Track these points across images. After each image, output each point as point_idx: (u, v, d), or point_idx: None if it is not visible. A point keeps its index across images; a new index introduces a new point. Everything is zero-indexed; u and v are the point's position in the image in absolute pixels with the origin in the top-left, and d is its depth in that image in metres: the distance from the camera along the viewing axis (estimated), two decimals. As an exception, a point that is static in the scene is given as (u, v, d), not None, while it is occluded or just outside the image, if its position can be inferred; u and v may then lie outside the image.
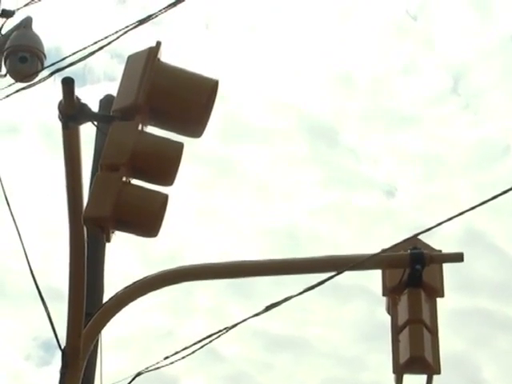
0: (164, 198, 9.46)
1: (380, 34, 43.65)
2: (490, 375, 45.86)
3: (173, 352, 14.06)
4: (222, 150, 36.00)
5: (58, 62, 12.94)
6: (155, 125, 9.55)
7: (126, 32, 12.41)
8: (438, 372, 10.35)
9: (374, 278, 11.01)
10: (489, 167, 45.32)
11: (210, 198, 37.26)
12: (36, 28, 13.43)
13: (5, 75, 13.39)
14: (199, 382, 39.81)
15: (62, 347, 10.43)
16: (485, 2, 44.60)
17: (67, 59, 12.91)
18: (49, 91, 12.73)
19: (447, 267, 10.82)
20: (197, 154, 9.35)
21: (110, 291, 11.16)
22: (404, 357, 10.35)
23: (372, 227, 39.50)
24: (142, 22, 12.70)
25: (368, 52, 43.66)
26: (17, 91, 13.30)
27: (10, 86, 13.36)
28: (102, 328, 10.43)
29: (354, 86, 46.22)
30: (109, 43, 12.71)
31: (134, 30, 12.30)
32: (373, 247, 11.01)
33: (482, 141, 46.71)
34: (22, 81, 13.33)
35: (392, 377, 10.52)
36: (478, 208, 12.00)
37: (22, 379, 41.38)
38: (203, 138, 9.68)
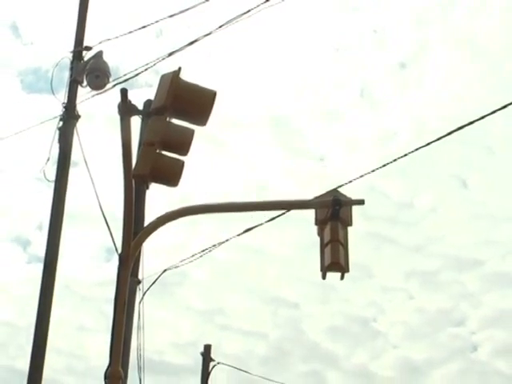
0: (182, 164, 9.60)
1: (317, 59, 43.99)
2: (378, 272, 46.76)
3: (186, 257, 14.23)
4: (218, 133, 36.29)
5: (117, 78, 13.14)
6: (177, 118, 9.64)
7: (160, 60, 12.60)
8: (348, 271, 10.35)
9: (311, 213, 11.08)
10: (385, 145, 45.69)
11: (210, 162, 37.48)
12: (105, 56, 13.45)
13: (85, 86, 13.41)
14: (202, 274, 40.49)
15: (119, 252, 10.52)
16: (382, 38, 44.76)
17: (124, 76, 13.14)
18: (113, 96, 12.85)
19: (359, 207, 10.77)
20: (202, 135, 9.38)
21: (148, 219, 11.23)
22: (327, 262, 10.33)
23: (312, 182, 39.88)
24: (171, 54, 12.87)
25: (311, 69, 44.05)
26: (93, 96, 13.43)
27: (89, 92, 13.46)
28: (144, 241, 10.44)
29: (303, 91, 46.54)
30: (150, 67, 12.90)
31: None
32: (310, 195, 11.08)
33: (381, 128, 47.01)
34: (96, 89, 13.40)
35: (320, 273, 10.57)
36: (377, 171, 12.18)
37: (94, 269, 41.81)
38: (207, 126, 9.77)
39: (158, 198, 12.75)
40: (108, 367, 9.76)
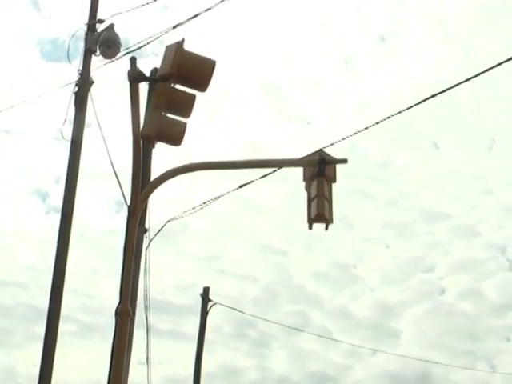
0: (184, 125, 9.57)
1: (306, 33, 43.92)
2: (358, 224, 47.17)
3: (188, 209, 14.24)
4: (215, 97, 36.28)
5: (127, 48, 13.05)
6: (180, 84, 9.59)
7: (165, 32, 12.50)
8: (331, 222, 10.34)
9: (299, 170, 11.04)
10: (365, 110, 45.75)
11: (209, 124, 37.48)
12: (116, 28, 13.41)
13: (98, 55, 13.37)
14: (202, 224, 40.68)
15: (128, 204, 10.52)
16: (364, 14, 44.82)
17: (133, 47, 13.05)
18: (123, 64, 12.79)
19: (342, 166, 10.70)
20: (202, 99, 9.38)
21: (154, 175, 11.20)
22: (313, 214, 10.32)
23: (300, 143, 39.94)
24: (175, 26, 12.78)
25: (300, 42, 43.91)
26: (105, 64, 13.36)
27: (102, 61, 13.40)
28: (150, 194, 10.44)
29: (293, 61, 46.48)
30: (156, 38, 12.80)
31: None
32: (299, 154, 11.06)
33: (362, 95, 47.03)
34: (108, 58, 13.34)
35: (306, 224, 10.58)
36: (358, 133, 12.17)
37: (106, 219, 41.92)
38: (207, 92, 9.72)
39: (163, 156, 12.71)
40: (118, 305, 9.79)
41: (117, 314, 9.76)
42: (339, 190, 10.67)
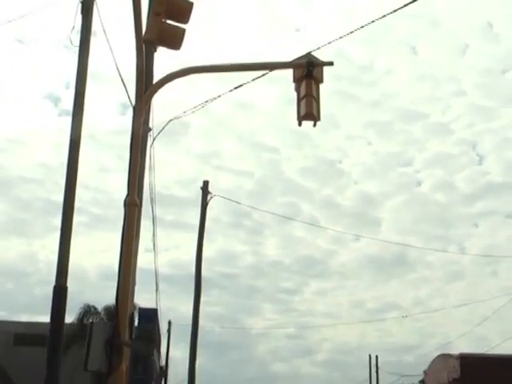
0: (183, 31, 9.53)
1: None
2: (343, 123, 47.23)
3: (188, 109, 14.19)
4: (211, 8, 35.87)
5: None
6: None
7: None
8: (319, 119, 10.37)
9: (290, 73, 10.92)
10: (349, 17, 45.22)
11: (206, 31, 37.16)
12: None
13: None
14: (201, 123, 40.62)
15: (133, 105, 10.46)
16: None
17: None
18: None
19: (328, 68, 10.64)
20: (200, 9, 9.27)
21: (157, 78, 11.08)
22: (302, 112, 10.31)
23: (290, 48, 39.66)
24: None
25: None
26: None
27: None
28: (154, 95, 10.36)
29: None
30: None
31: None
32: (289, 58, 10.97)
33: (346, 2, 46.54)
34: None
35: (296, 122, 10.57)
36: (343, 38, 12.04)
37: (113, 120, 41.94)
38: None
39: (165, 61, 12.57)
40: (126, 197, 9.83)
41: (125, 204, 9.83)
42: (326, 92, 10.66)
